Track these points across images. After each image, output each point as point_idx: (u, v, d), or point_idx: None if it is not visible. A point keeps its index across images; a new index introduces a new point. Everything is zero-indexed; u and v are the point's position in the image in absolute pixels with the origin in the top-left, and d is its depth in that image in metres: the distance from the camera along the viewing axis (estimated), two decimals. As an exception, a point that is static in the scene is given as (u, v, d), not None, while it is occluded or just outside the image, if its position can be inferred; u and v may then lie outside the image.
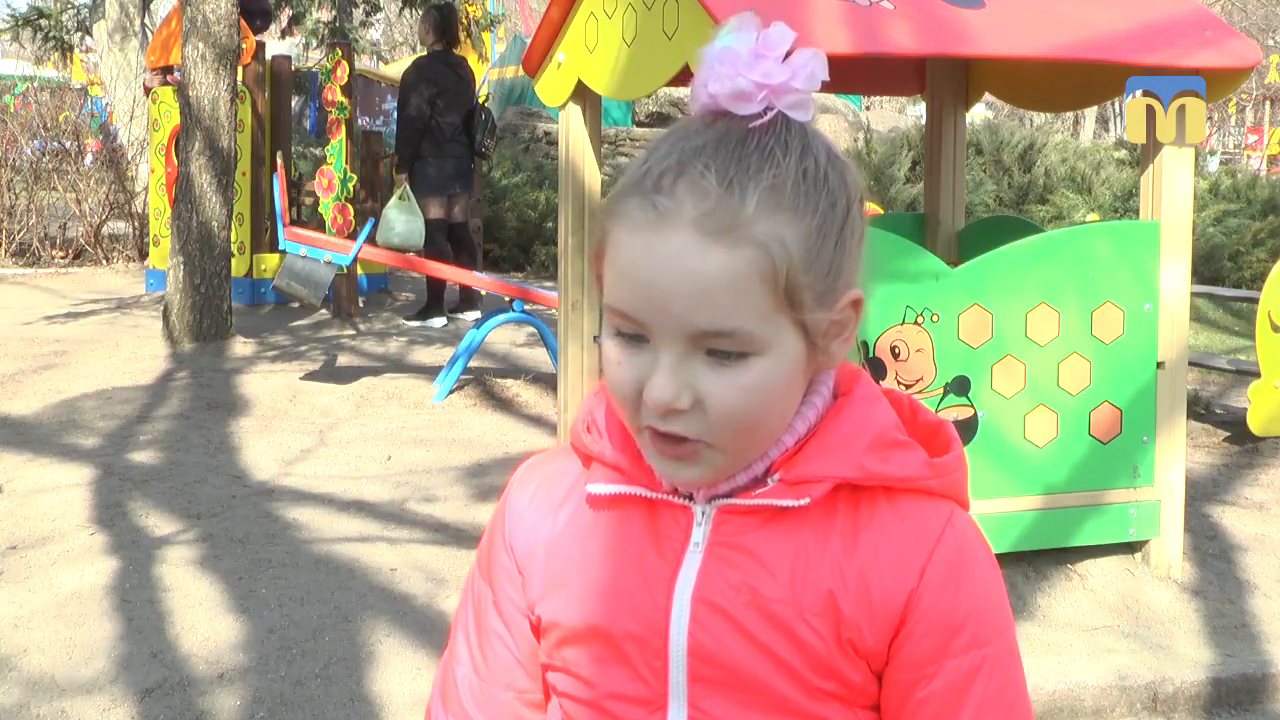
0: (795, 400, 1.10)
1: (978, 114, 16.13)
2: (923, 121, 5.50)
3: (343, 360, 8.02)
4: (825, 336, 1.08)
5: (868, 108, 22.65)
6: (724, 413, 1.04)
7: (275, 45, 15.38)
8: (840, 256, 1.06)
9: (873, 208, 9.26)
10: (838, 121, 17.25)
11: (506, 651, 1.21)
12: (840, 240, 1.06)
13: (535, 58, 4.99)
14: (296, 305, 9.00)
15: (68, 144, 13.50)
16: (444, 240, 9.59)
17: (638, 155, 1.13)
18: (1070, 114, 24.60)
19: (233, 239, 8.61)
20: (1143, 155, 4.25)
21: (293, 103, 12.39)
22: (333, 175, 9.00)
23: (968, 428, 3.98)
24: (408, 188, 9.06)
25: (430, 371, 7.50)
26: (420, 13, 17.01)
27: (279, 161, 8.18)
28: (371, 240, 8.00)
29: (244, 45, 9.30)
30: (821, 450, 1.10)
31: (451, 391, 6.98)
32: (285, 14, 16.98)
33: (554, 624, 1.16)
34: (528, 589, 1.19)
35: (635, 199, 1.04)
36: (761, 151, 1.03)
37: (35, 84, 14.95)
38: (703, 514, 1.12)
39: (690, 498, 1.13)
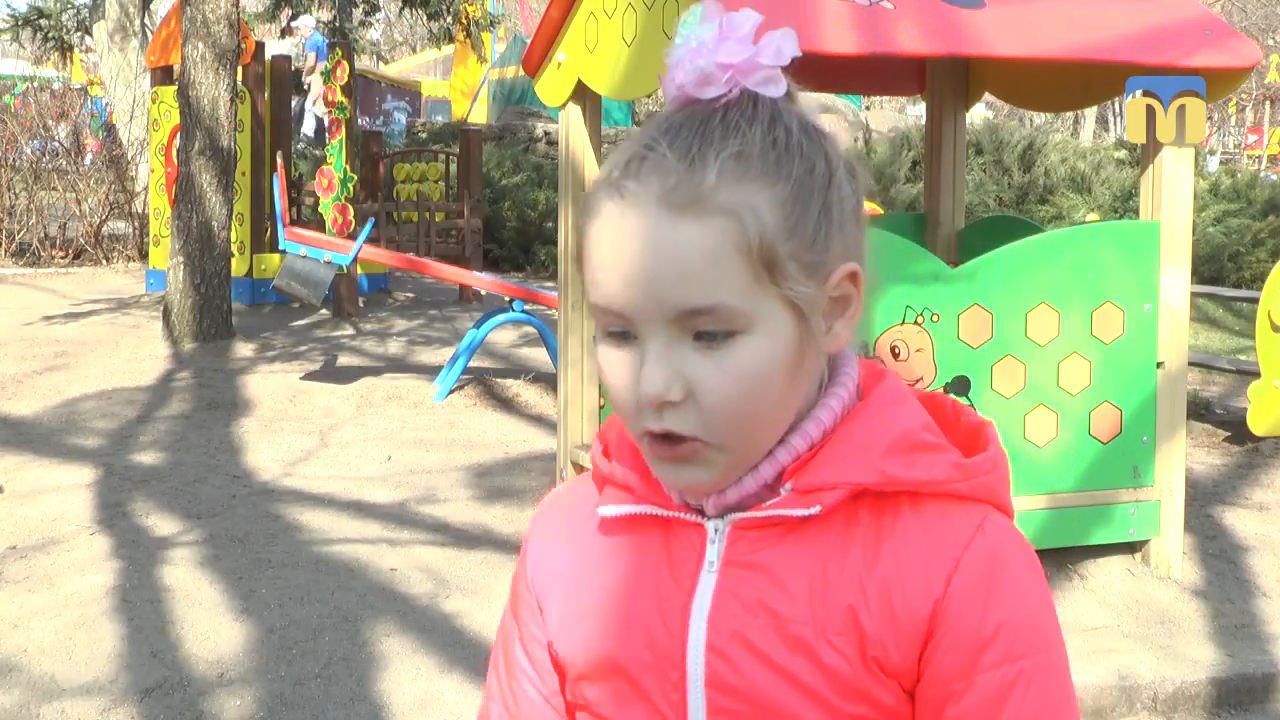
0: (798, 390, 1.03)
1: (978, 114, 16.12)
2: (923, 121, 5.50)
3: (343, 360, 8.02)
4: (826, 315, 1.02)
5: (867, 108, 22.63)
6: (717, 401, 0.98)
7: (275, 45, 15.37)
8: (827, 225, 1.01)
9: (873, 208, 9.26)
10: (838, 121, 17.27)
11: (535, 690, 1.16)
12: (825, 209, 1.01)
13: (535, 58, 4.99)
14: (297, 305, 8.99)
15: (67, 144, 13.49)
16: None
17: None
18: (1070, 114, 24.58)
19: (233, 239, 8.62)
20: (1143, 155, 4.24)
21: (293, 103, 12.37)
22: (333, 175, 9.00)
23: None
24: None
25: (430, 371, 7.50)
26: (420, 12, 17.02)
27: (279, 161, 8.17)
28: (371, 240, 7.97)
29: (244, 45, 9.30)
30: (835, 455, 1.03)
31: (452, 391, 6.98)
32: (285, 14, 16.97)
33: (572, 659, 1.11)
34: (547, 624, 1.14)
35: (603, 190, 1.01)
36: (726, 125, 0.99)
37: (35, 84, 14.92)
38: (716, 530, 1.06)
39: (702, 513, 1.07)
